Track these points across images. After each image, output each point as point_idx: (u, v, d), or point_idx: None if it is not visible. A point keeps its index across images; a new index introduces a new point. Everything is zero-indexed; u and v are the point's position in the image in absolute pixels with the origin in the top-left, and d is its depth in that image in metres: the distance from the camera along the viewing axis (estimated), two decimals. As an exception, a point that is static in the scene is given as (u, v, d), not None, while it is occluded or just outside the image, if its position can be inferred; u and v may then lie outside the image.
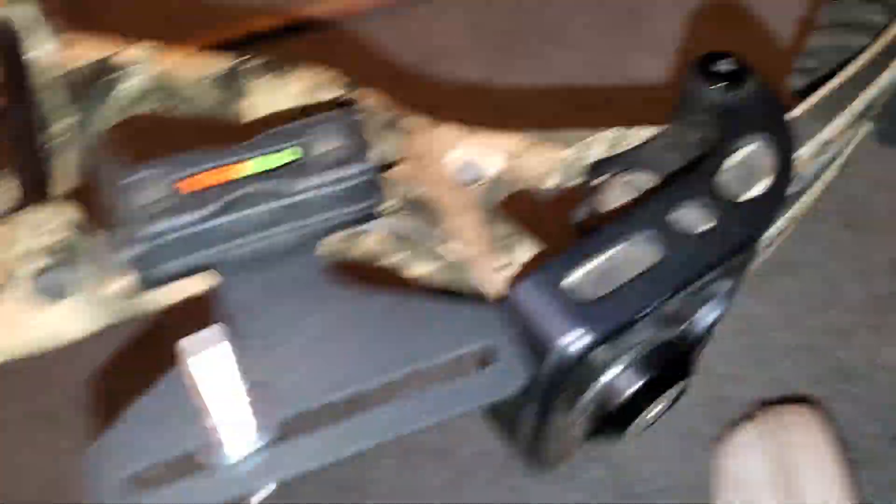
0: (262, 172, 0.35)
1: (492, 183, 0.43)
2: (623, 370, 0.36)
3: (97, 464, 0.31)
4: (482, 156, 0.43)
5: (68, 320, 0.36)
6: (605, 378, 0.36)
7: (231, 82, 0.46)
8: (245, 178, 0.35)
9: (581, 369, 0.34)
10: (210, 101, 0.47)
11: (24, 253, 0.35)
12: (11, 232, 0.36)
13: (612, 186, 0.42)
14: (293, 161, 0.36)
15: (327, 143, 0.36)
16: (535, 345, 0.34)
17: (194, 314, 0.46)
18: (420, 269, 0.41)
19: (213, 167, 0.35)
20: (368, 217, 0.38)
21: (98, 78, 0.46)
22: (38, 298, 0.35)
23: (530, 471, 0.43)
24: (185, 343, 0.27)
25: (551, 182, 0.45)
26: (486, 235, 0.40)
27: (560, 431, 0.38)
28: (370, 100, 0.45)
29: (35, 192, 0.38)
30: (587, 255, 0.35)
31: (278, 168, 0.36)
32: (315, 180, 0.36)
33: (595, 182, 0.42)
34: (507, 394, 0.33)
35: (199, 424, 0.30)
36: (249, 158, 0.36)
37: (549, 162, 0.44)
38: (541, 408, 0.36)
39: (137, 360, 0.49)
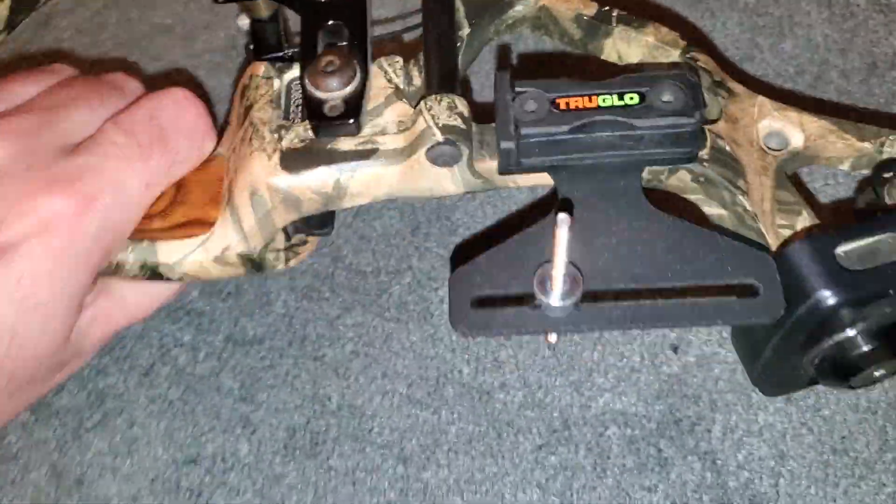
0: (613, 107, 0.46)
1: (790, 154, 0.51)
2: (860, 332, 0.44)
3: (454, 284, 0.44)
4: (788, 129, 0.52)
5: (448, 181, 0.50)
6: (844, 335, 0.44)
7: (596, 25, 0.57)
8: (599, 108, 0.46)
9: (828, 321, 0.43)
10: (576, 36, 0.59)
11: (430, 125, 0.48)
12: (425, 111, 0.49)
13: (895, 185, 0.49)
14: (638, 103, 0.46)
15: (667, 94, 0.46)
16: (797, 293, 0.43)
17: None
18: (713, 210, 0.50)
19: (579, 95, 0.47)
20: (687, 160, 0.48)
21: (497, 1, 0.59)
22: (429, 163, 0.48)
23: (761, 392, 0.54)
24: (561, 217, 0.39)
25: (843, 167, 0.53)
26: (775, 198, 0.49)
27: (793, 367, 0.48)
28: (703, 61, 0.55)
29: (443, 84, 0.51)
30: (859, 234, 0.44)
31: (625, 106, 0.46)
32: (652, 122, 0.46)
33: (883, 176, 0.49)
34: (763, 321, 0.43)
35: (540, 275, 0.43)
36: (605, 94, 0.47)
37: (846, 149, 0.52)
38: (781, 344, 0.45)
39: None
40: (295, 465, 0.57)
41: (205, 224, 0.50)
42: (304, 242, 0.55)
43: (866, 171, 0.52)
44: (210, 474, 0.57)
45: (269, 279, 0.62)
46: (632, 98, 0.46)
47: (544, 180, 0.49)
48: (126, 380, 0.60)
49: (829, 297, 0.42)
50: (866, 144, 0.51)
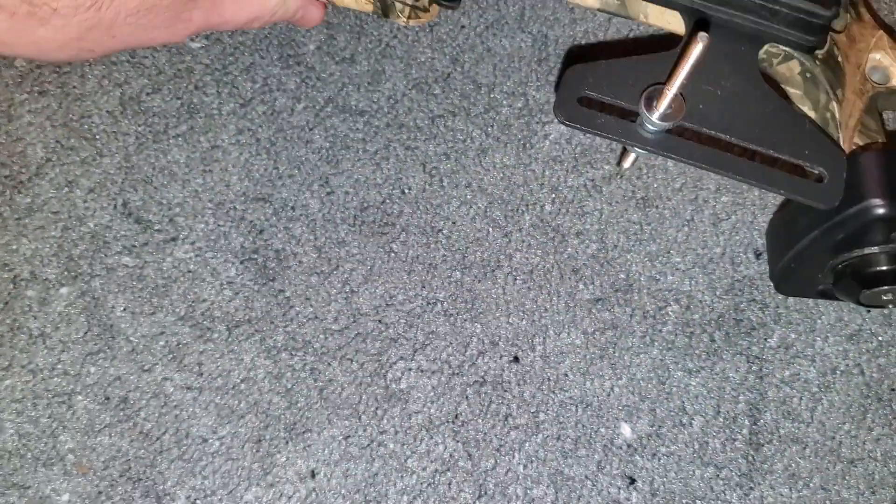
0: None
1: (888, 90, 0.53)
2: (887, 251, 0.47)
3: (569, 77, 0.46)
4: (893, 68, 0.53)
5: None
6: (873, 249, 0.47)
7: None
8: None
9: (867, 229, 0.46)
10: None
11: None
12: None
13: None
14: None
15: None
16: (853, 195, 0.45)
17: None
18: (804, 109, 0.52)
19: None
20: (808, 49, 0.49)
21: None
22: None
23: (775, 286, 0.55)
24: (702, 35, 0.40)
25: None
26: (861, 120, 0.50)
27: (816, 269, 0.50)
28: None
29: None
30: None
31: None
32: (792, 3, 0.47)
33: None
34: (819, 205, 0.45)
35: (648, 94, 0.45)
36: None
37: None
38: (818, 239, 0.48)
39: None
40: (359, 236, 0.57)
41: None
42: (427, 10, 0.56)
43: None
44: (276, 216, 0.57)
45: (385, 58, 0.61)
46: None
47: (675, 26, 0.50)
48: (221, 104, 0.59)
49: (879, 207, 0.45)
50: None
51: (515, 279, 0.57)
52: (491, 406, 0.54)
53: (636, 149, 0.46)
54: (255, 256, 0.56)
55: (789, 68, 0.51)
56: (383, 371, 0.55)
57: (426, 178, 0.59)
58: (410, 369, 0.55)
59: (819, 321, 0.57)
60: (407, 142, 0.60)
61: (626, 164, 0.52)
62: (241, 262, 0.56)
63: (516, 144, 0.60)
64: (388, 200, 0.58)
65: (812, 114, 0.51)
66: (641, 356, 0.56)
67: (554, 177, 0.60)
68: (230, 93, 0.60)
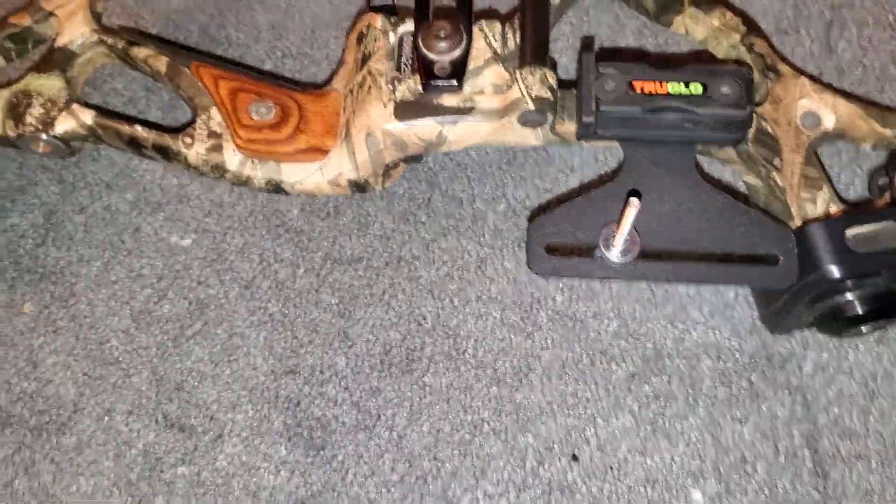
0: (680, 95, 0.52)
1: (822, 133, 0.56)
2: (857, 297, 0.51)
3: (533, 231, 0.51)
4: (822, 110, 0.56)
5: (531, 138, 0.57)
6: (843, 298, 0.51)
7: (671, 2, 0.63)
8: (669, 94, 0.52)
9: (830, 289, 0.51)
10: (651, 9, 0.64)
11: (524, 94, 0.54)
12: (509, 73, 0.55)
13: None
14: (700, 93, 0.51)
15: (725, 86, 0.51)
16: (809, 264, 0.50)
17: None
18: (750, 179, 0.57)
19: (653, 80, 0.52)
20: (735, 142, 0.54)
21: None
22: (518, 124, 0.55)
23: (769, 330, 0.58)
24: (633, 201, 0.46)
25: (866, 146, 0.58)
26: (803, 173, 0.54)
27: (797, 316, 0.54)
28: (758, 46, 0.59)
29: (536, 54, 0.55)
30: (867, 220, 0.50)
31: (690, 95, 0.52)
32: (711, 111, 0.51)
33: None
34: (778, 287, 0.51)
35: (605, 234, 0.50)
36: (674, 81, 0.52)
37: (869, 133, 0.57)
38: (791, 300, 0.52)
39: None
40: (391, 380, 0.59)
41: (321, 151, 0.56)
42: (397, 166, 0.59)
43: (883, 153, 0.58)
44: (308, 385, 0.59)
45: (367, 201, 0.63)
46: (696, 88, 0.52)
47: (612, 144, 0.55)
48: (227, 291, 0.61)
49: (834, 272, 0.49)
50: (887, 131, 0.57)
51: (550, 378, 0.58)
52: (564, 510, 0.56)
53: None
54: (300, 430, 0.58)
55: (726, 153, 0.57)
56: (453, 508, 0.56)
57: (437, 304, 0.60)
58: (478, 499, 0.56)
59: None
60: (409, 274, 0.61)
61: None
62: (289, 440, 0.58)
63: (511, 246, 0.62)
64: (407, 337, 0.60)
65: (758, 182, 0.56)
66: (690, 419, 0.57)
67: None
68: (232, 278, 0.62)
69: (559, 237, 0.50)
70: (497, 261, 0.62)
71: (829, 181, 0.55)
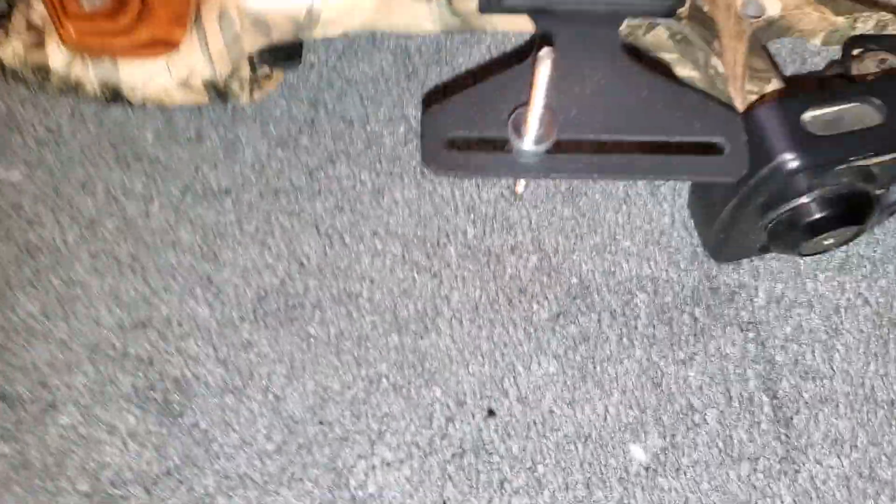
0: None
1: (766, 23, 0.48)
2: (816, 198, 0.43)
3: (427, 123, 0.40)
4: None
5: (425, 18, 0.46)
6: (799, 201, 0.43)
7: None
8: None
9: (787, 184, 0.42)
10: None
11: None
12: None
13: (864, 59, 0.46)
14: None
15: None
16: (761, 154, 0.41)
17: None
18: (685, 72, 0.48)
19: None
20: (667, 13, 0.44)
21: None
22: None
23: (713, 257, 0.49)
24: (544, 52, 0.35)
25: (815, 41, 0.50)
26: (747, 63, 0.46)
27: (747, 232, 0.46)
28: None
29: None
30: (826, 102, 0.42)
31: None
32: None
33: (853, 53, 0.47)
34: (727, 179, 0.41)
35: (515, 119, 0.39)
36: None
37: (820, 22, 0.49)
38: (740, 205, 0.44)
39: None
40: (266, 331, 0.48)
41: (169, 45, 0.46)
42: (270, 76, 0.50)
43: (837, 48, 0.50)
44: (163, 340, 0.48)
45: (237, 123, 0.53)
46: None
47: (524, 25, 0.44)
48: (64, 232, 0.50)
49: (792, 160, 0.41)
50: (840, 19, 0.49)
51: (461, 322, 0.49)
52: (481, 477, 0.46)
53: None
54: (152, 394, 0.47)
55: (657, 35, 0.47)
56: (343, 480, 0.45)
57: (324, 241, 0.50)
58: (374, 467, 0.46)
59: (801, 262, 0.50)
60: (288, 208, 0.51)
61: (520, 188, 0.50)
62: (139, 406, 0.47)
63: (412, 173, 0.52)
64: (287, 280, 0.49)
65: (694, 74, 0.47)
66: (625, 362, 0.48)
67: (466, 196, 0.52)
68: (71, 217, 0.50)
69: (460, 129, 0.41)
70: (397, 190, 0.52)
71: (780, 74, 0.47)
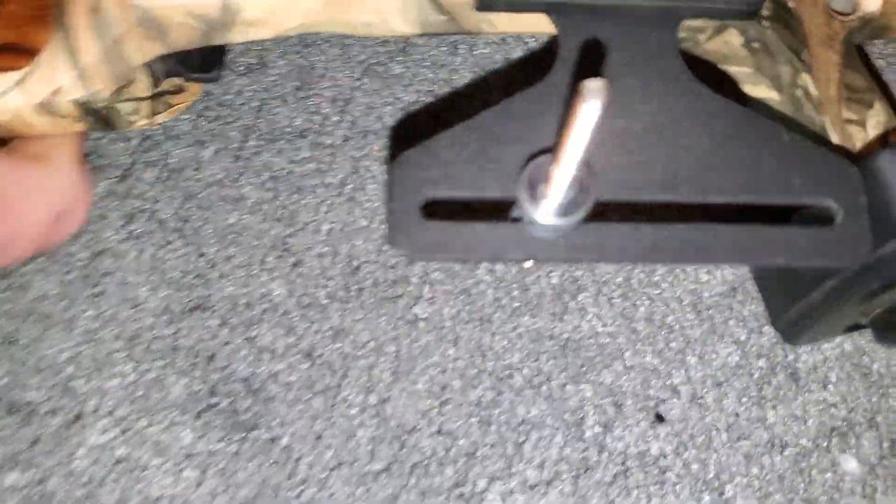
0: None
1: (863, 21, 0.36)
2: None
3: (398, 179, 0.27)
4: None
5: (396, 15, 0.32)
6: None
7: None
8: None
9: None
10: None
11: None
12: None
13: None
14: None
15: None
16: (883, 223, 0.29)
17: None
18: (760, 92, 0.35)
19: None
20: (747, 14, 0.31)
21: None
22: None
23: (783, 335, 0.36)
24: (592, 86, 0.21)
25: None
26: (842, 81, 0.34)
27: (841, 316, 0.33)
28: None
29: None
30: None
31: None
32: None
33: None
34: (841, 263, 0.28)
35: (531, 174, 0.26)
36: None
37: None
38: (843, 287, 0.31)
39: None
40: (363, 314, 0.37)
41: (26, 53, 0.32)
42: (181, 91, 0.37)
43: None
44: (227, 326, 0.36)
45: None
46: None
47: (539, 27, 0.32)
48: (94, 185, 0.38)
49: None
50: None
51: (610, 300, 0.37)
52: (652, 502, 0.35)
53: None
54: (216, 400, 0.35)
55: (726, 42, 0.34)
56: (478, 509, 0.34)
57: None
58: (512, 491, 0.34)
59: None
60: (382, 154, 0.39)
61: (528, 263, 0.37)
62: (197, 418, 0.35)
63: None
64: (385, 247, 0.38)
65: (773, 95, 0.34)
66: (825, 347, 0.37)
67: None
68: (98, 167, 0.38)
69: (446, 187, 0.27)
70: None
71: (885, 91, 0.36)
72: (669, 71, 0.29)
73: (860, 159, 0.30)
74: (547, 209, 0.26)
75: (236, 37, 0.32)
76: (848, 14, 0.35)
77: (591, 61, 0.30)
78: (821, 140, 0.32)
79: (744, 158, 0.28)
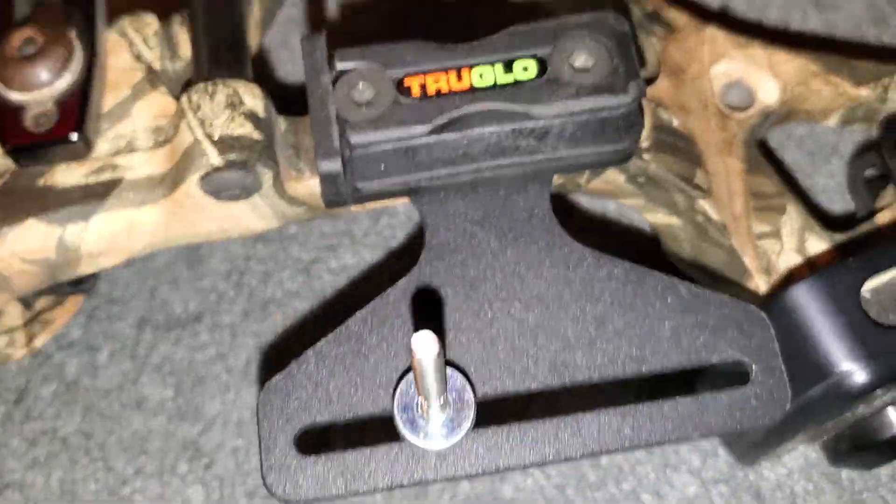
0: (497, 86, 0.28)
1: (761, 114, 0.33)
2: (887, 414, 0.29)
3: (267, 411, 0.25)
4: (754, 75, 0.33)
5: (249, 216, 0.30)
6: (875, 416, 0.29)
7: None
8: (475, 89, 0.28)
9: (853, 404, 0.28)
10: None
11: (199, 136, 0.28)
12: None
13: None
14: (536, 76, 0.28)
15: (582, 55, 0.28)
16: (809, 367, 0.27)
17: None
18: (659, 219, 0.33)
19: (441, 69, 0.28)
20: (622, 158, 0.29)
21: None
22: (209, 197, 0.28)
23: (738, 460, 0.34)
24: (418, 341, 0.21)
25: (829, 123, 0.35)
26: (748, 191, 0.31)
27: (797, 441, 0.31)
28: None
29: (219, 62, 0.30)
30: (891, 261, 0.27)
31: (516, 83, 0.28)
32: (563, 106, 0.27)
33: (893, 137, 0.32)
34: (760, 423, 0.25)
35: (403, 393, 0.25)
36: (482, 62, 0.28)
37: (835, 98, 0.34)
38: (782, 428, 0.29)
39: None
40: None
41: None
42: (59, 305, 0.35)
43: (860, 127, 0.36)
44: None
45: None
46: (526, 68, 0.28)
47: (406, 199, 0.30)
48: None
49: (857, 374, 0.27)
50: (863, 91, 0.34)
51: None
52: None
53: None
54: None
55: (608, 181, 0.32)
56: None
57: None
58: None
59: None
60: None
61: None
62: None
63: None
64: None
65: (673, 220, 0.32)
66: None
67: None
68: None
69: (318, 410, 0.25)
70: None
71: (796, 191, 0.34)
72: (545, 238, 0.27)
73: (772, 296, 0.28)
74: (431, 428, 0.24)
75: (86, 269, 0.30)
76: (745, 108, 0.33)
77: (456, 242, 0.28)
78: (734, 266, 0.30)
79: (640, 324, 0.26)
